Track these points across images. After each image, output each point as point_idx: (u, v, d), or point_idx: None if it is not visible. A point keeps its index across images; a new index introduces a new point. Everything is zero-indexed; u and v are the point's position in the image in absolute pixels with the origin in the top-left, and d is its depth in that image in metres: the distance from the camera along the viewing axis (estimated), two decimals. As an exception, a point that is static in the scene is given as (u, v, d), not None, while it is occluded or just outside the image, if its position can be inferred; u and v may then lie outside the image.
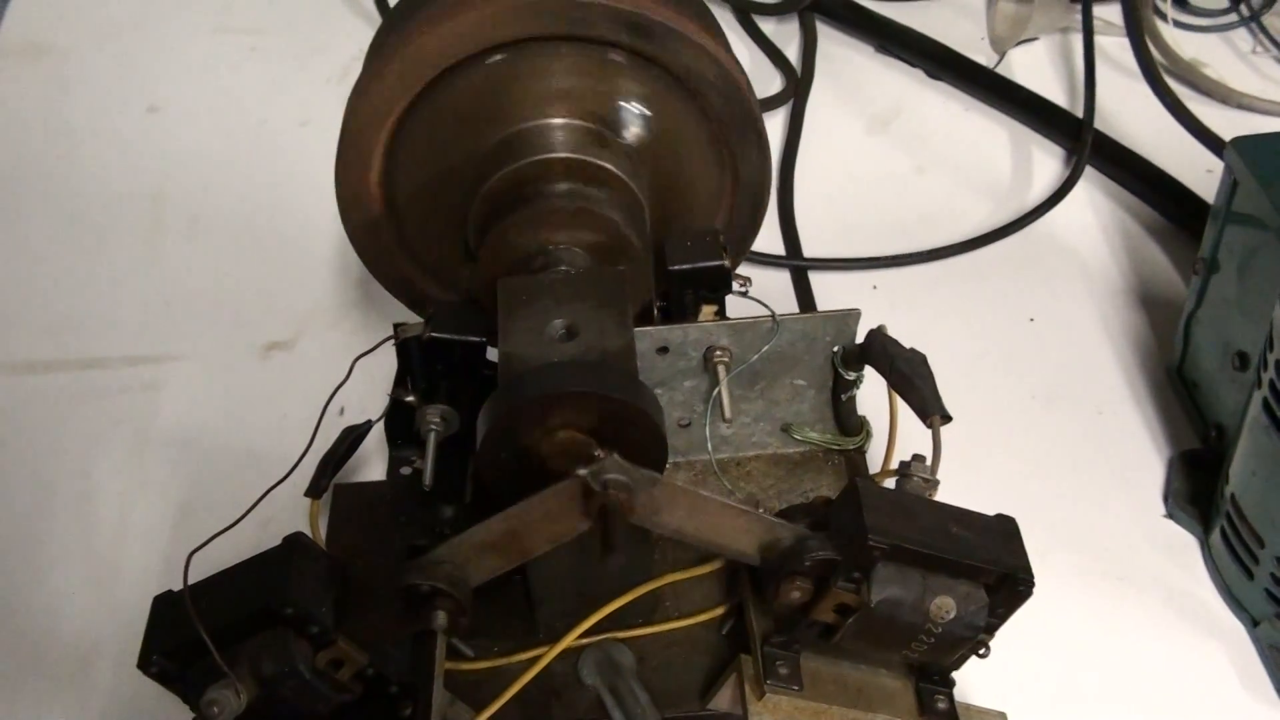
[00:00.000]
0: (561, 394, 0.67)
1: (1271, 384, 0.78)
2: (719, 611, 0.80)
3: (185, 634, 0.66)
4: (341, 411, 0.96)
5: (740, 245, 0.91)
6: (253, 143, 1.27)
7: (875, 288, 1.12)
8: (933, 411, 0.77)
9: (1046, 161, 1.26)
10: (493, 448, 0.68)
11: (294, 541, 0.70)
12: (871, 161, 1.26)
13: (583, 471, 0.64)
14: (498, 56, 0.81)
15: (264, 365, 1.06)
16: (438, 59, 0.80)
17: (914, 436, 0.80)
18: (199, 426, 1.01)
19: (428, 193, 0.85)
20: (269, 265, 1.14)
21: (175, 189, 1.21)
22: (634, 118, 0.83)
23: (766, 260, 1.13)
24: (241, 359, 1.06)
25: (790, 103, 1.31)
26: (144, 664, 0.67)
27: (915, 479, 0.75)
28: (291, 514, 0.83)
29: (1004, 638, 0.70)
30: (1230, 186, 0.90)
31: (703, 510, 0.68)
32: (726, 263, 0.81)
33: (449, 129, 0.83)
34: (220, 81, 1.35)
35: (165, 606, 0.69)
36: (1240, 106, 1.28)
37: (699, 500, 0.68)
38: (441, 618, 0.68)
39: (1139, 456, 0.98)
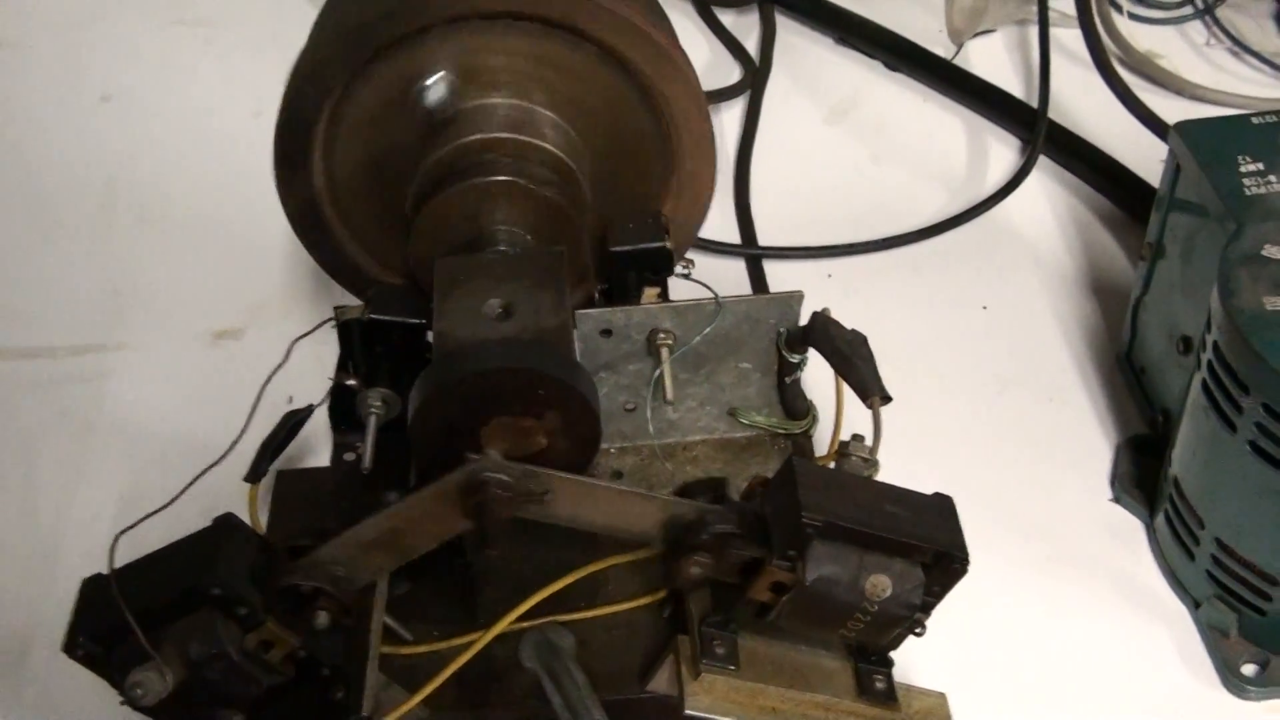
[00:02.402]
0: (493, 371, 0.67)
1: (1209, 365, 0.79)
2: (660, 595, 0.79)
3: (112, 617, 0.65)
4: (290, 399, 0.94)
5: (686, 227, 0.91)
6: (205, 132, 1.26)
7: (830, 276, 1.12)
8: (872, 392, 0.77)
9: (1001, 151, 1.26)
10: (424, 426, 0.68)
11: (224, 522, 0.70)
12: (829, 151, 1.26)
13: (460, 471, 0.63)
14: (437, 34, 0.81)
15: (213, 354, 1.05)
16: (376, 36, 0.79)
17: (861, 420, 0.79)
18: (145, 416, 1.00)
19: (367, 174, 0.84)
20: (220, 254, 1.13)
21: (126, 178, 1.21)
22: (574, 98, 0.83)
23: (722, 249, 1.13)
24: (190, 348, 1.05)
25: (748, 93, 1.31)
26: (69, 647, 0.67)
27: (854, 458, 0.75)
28: (234, 501, 0.81)
29: (948, 619, 0.70)
30: (1174, 172, 0.90)
31: (594, 498, 0.68)
32: (669, 244, 0.81)
33: (388, 108, 0.82)
34: (174, 72, 1.34)
35: (93, 590, 0.68)
36: (1194, 97, 1.28)
37: (588, 489, 0.67)
38: (324, 618, 0.67)
39: (1088, 442, 0.98)
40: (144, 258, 1.13)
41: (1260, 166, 0.84)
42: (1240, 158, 0.85)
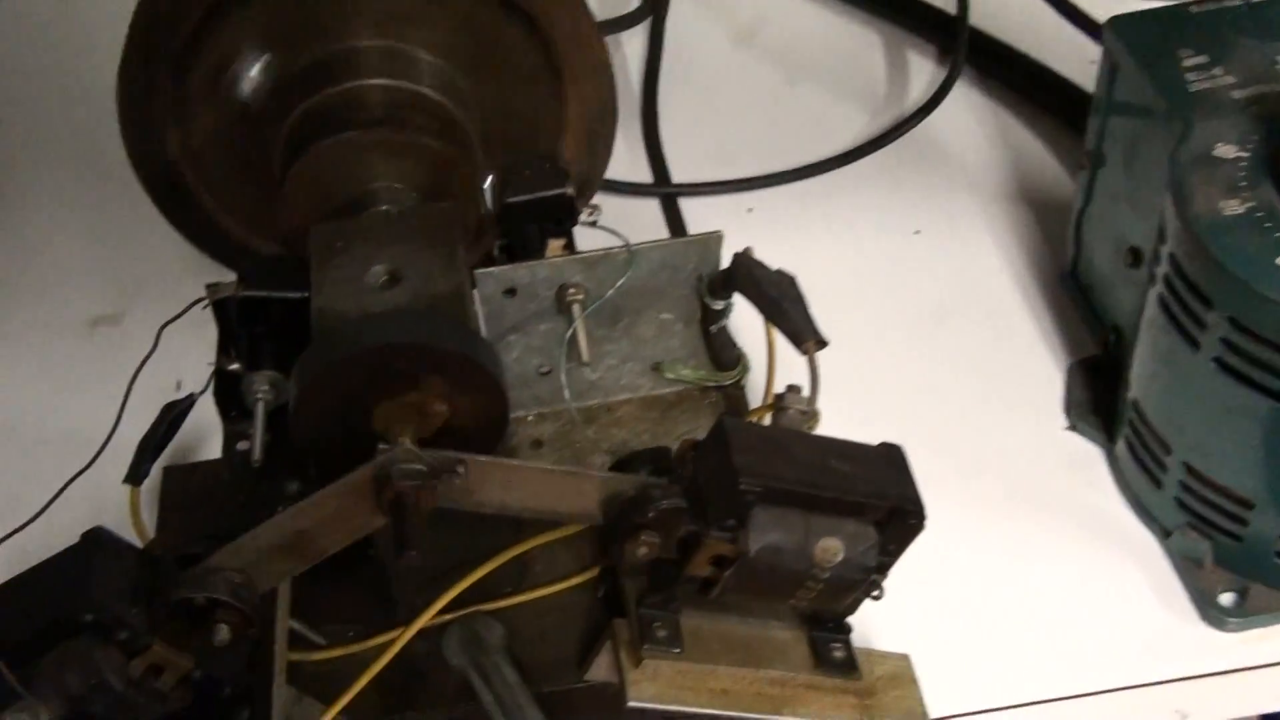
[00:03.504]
0: (381, 348, 0.60)
1: (1166, 279, 0.74)
2: (593, 573, 0.74)
3: None
4: (178, 385, 0.89)
5: (590, 172, 0.84)
6: (59, 94, 1.16)
7: (750, 210, 1.08)
8: (806, 337, 0.72)
9: (922, 64, 1.21)
10: (307, 418, 0.61)
11: (93, 537, 0.63)
12: (739, 76, 1.21)
13: (369, 465, 0.57)
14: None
15: (89, 343, 0.98)
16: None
17: (796, 367, 0.74)
18: (16, 415, 0.94)
19: (229, 133, 0.76)
20: (90, 230, 1.06)
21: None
22: (450, 34, 0.76)
23: (633, 189, 1.08)
24: (63, 337, 0.99)
25: (649, 20, 1.24)
26: None
27: (791, 411, 0.69)
28: (120, 505, 0.75)
29: (902, 575, 0.65)
30: (1110, 72, 0.86)
31: (522, 482, 0.62)
32: (570, 190, 0.75)
33: (246, 54, 0.74)
34: (20, 23, 1.23)
35: (-45, 622, 0.61)
36: (1125, -8, 1.23)
37: (515, 472, 0.62)
38: (224, 632, 0.61)
39: (1037, 369, 0.95)
40: (4, 241, 1.05)
41: (1204, 59, 0.80)
42: (1181, 51, 0.81)
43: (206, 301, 0.73)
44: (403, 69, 0.74)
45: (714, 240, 0.78)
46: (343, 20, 0.74)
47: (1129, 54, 0.82)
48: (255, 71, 0.75)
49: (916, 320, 0.99)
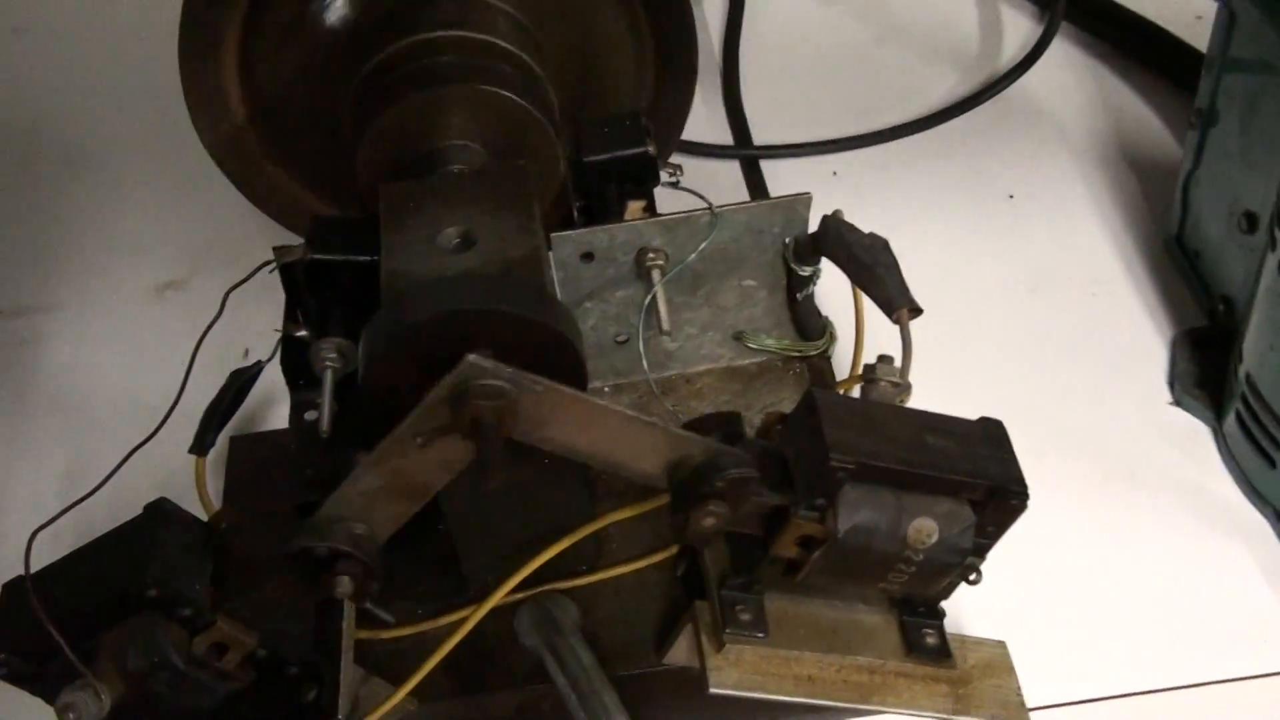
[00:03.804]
0: (452, 314, 0.57)
1: (1289, 244, 0.70)
2: (672, 551, 0.72)
3: (35, 627, 0.57)
4: (246, 353, 0.89)
5: (670, 128, 0.81)
6: (133, 61, 1.16)
7: (835, 174, 1.06)
8: (899, 305, 0.69)
9: (1016, 20, 1.19)
10: (377, 384, 0.58)
11: (156, 509, 0.63)
12: (825, 33, 1.19)
13: (447, 379, 0.54)
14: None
15: (157, 308, 0.98)
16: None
17: (884, 336, 0.71)
18: (87, 382, 0.93)
19: (297, 93, 0.74)
20: (158, 197, 1.05)
21: (47, 119, 1.12)
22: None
23: (713, 151, 1.06)
24: (130, 303, 0.98)
25: (732, -28, 1.22)
26: None
27: (882, 384, 0.66)
28: (187, 472, 0.74)
29: (996, 557, 0.62)
30: (1227, 26, 0.82)
31: (597, 421, 0.58)
32: (651, 149, 0.72)
33: (314, 9, 0.71)
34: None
35: (16, 595, 0.60)
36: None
37: (592, 409, 0.58)
38: (346, 583, 0.59)
39: (1139, 339, 0.92)
40: (73, 206, 1.05)
41: (1333, 9, 0.75)
42: (1307, 2, 0.77)
43: (273, 265, 0.71)
44: (479, 20, 0.71)
45: (802, 202, 0.74)
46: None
47: (1252, 5, 0.78)
48: (331, 21, 0.72)
49: (1010, 289, 0.95)
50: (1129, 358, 0.90)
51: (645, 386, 0.79)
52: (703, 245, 0.74)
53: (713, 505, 0.59)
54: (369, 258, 0.70)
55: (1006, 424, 0.62)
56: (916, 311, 0.68)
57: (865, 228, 0.74)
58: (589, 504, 0.71)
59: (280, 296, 0.73)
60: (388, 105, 0.68)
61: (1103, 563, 0.79)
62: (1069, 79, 1.11)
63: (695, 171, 0.80)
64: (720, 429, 0.64)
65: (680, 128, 0.83)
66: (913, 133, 1.07)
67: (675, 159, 0.84)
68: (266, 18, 0.72)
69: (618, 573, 0.71)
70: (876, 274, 0.70)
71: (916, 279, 0.71)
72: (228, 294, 0.71)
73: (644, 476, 0.61)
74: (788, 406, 0.79)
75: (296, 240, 0.84)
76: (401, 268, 0.62)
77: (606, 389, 0.79)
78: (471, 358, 0.54)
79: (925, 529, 0.59)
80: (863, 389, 0.67)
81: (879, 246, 0.71)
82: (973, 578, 0.62)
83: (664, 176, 0.74)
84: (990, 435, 0.62)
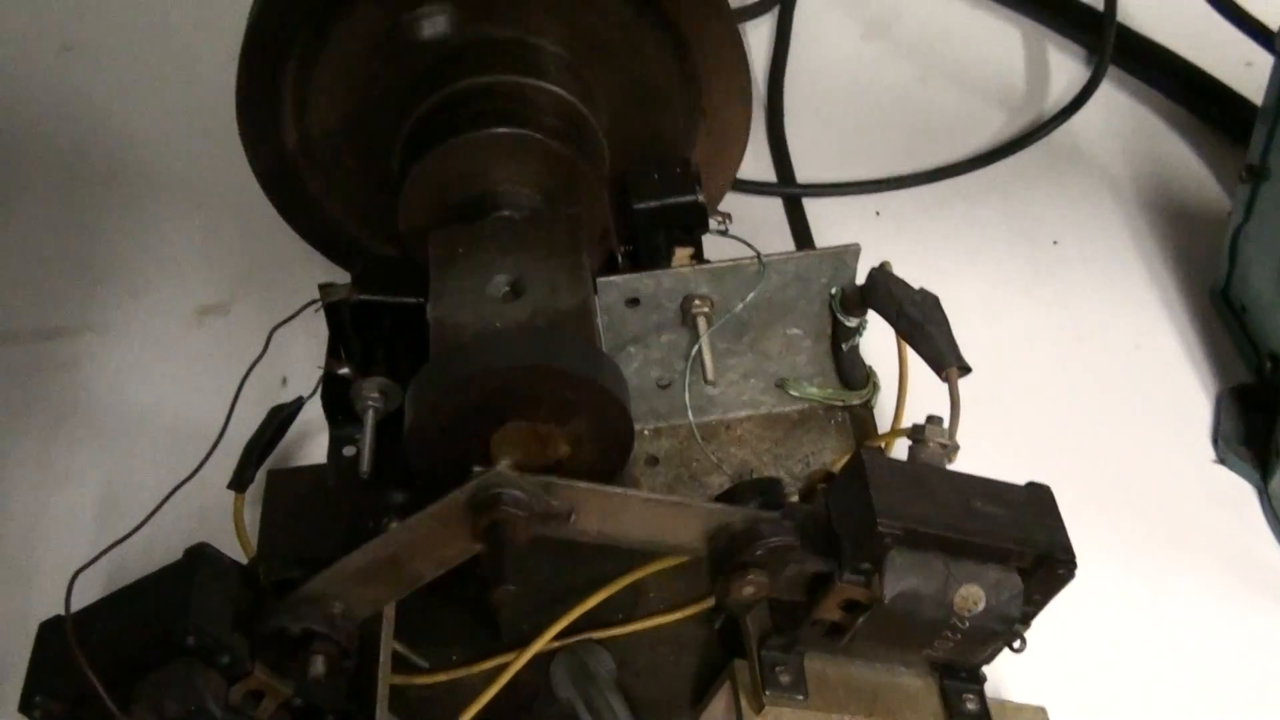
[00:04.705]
0: (503, 370, 0.57)
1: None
2: (709, 603, 0.71)
3: (72, 671, 0.56)
4: (284, 381, 0.89)
5: (719, 176, 0.80)
6: (180, 82, 1.16)
7: (878, 214, 1.05)
8: (949, 363, 0.68)
9: (1065, 63, 1.17)
10: (422, 436, 0.58)
11: (197, 553, 0.61)
12: (870, 71, 1.17)
13: (465, 487, 0.54)
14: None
15: (197, 332, 0.97)
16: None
17: (928, 387, 0.71)
18: (125, 405, 0.93)
19: (349, 127, 0.75)
20: (199, 220, 1.05)
21: (93, 138, 1.11)
22: (584, 31, 0.73)
23: (755, 189, 1.05)
24: (170, 326, 0.98)
25: (777, 9, 1.21)
26: (25, 706, 0.58)
27: (931, 445, 0.65)
28: (225, 507, 0.74)
29: (1037, 620, 0.62)
30: None
31: (622, 510, 0.58)
32: (701, 197, 0.72)
33: (367, 51, 0.72)
34: (141, 14, 1.23)
35: (53, 635, 0.60)
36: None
37: (615, 500, 0.58)
38: (320, 664, 0.58)
39: (1182, 395, 0.90)
40: (115, 227, 1.05)
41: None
42: (1368, 62, 0.75)
43: (319, 305, 0.71)
44: (532, 64, 0.71)
45: (850, 254, 0.74)
46: (470, 18, 0.71)
47: (1310, 61, 0.77)
48: (384, 58, 0.72)
49: (1052, 337, 0.94)
50: (1172, 413, 0.89)
51: (686, 431, 0.79)
52: (750, 294, 0.73)
53: (752, 575, 0.59)
54: (415, 300, 0.70)
55: (1041, 478, 0.61)
56: (966, 370, 0.68)
57: (907, 269, 0.73)
58: (626, 553, 0.71)
59: (320, 327, 0.74)
60: (438, 146, 0.68)
61: (1143, 626, 0.78)
62: (1116, 123, 1.10)
63: (736, 207, 0.80)
64: (760, 495, 0.63)
65: (731, 175, 0.83)
66: (957, 174, 1.06)
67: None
68: (327, 52, 0.72)
69: (654, 624, 0.71)
70: (927, 331, 0.69)
71: (958, 324, 0.71)
72: (273, 332, 0.71)
73: (684, 550, 0.61)
74: (829, 455, 0.79)
75: (338, 271, 0.85)
76: (450, 316, 0.62)
77: (646, 431, 0.79)
78: (487, 471, 0.54)
79: (972, 596, 0.59)
80: (910, 449, 0.66)
81: (930, 303, 0.70)
82: (1018, 645, 0.61)
83: (713, 225, 0.74)
84: (1038, 501, 0.61)
